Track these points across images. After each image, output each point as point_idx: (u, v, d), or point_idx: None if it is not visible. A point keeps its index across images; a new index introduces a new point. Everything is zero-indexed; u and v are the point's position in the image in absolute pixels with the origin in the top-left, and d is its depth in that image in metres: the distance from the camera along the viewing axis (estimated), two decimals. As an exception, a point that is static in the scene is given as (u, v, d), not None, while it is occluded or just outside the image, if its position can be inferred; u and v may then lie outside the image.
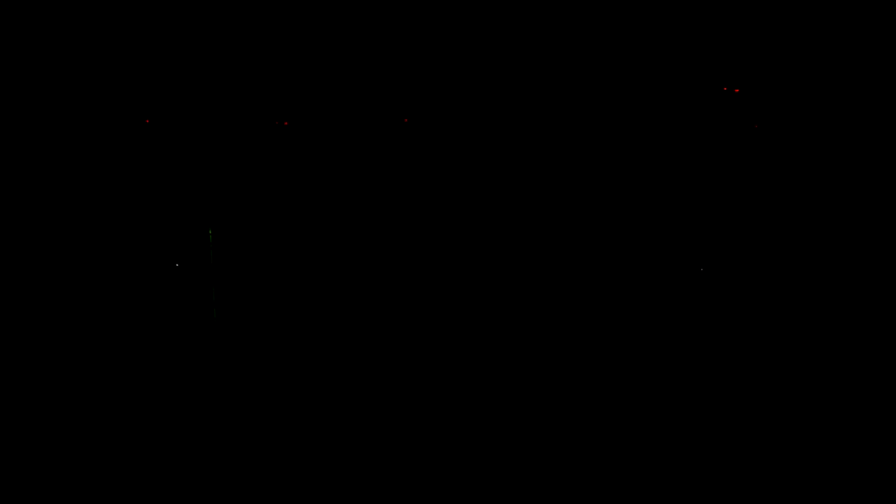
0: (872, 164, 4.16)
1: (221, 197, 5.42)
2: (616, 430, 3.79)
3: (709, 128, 4.55)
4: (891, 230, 4.11)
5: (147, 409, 3.96)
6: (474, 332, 4.33)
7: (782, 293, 4.24)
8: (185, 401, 4.03)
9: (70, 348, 4.41)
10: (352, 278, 4.78)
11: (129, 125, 5.09)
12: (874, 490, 3.25)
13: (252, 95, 5.02)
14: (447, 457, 3.64)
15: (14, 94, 4.93)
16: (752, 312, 4.23)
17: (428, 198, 4.89)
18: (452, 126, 4.99)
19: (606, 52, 4.75)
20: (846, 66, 4.28)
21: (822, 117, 4.30)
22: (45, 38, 4.94)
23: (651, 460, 3.58)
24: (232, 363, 4.32)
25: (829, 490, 3.29)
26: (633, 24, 4.67)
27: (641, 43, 4.66)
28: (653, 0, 4.55)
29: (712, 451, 3.62)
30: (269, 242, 5.18)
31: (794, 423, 3.77)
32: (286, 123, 5.01)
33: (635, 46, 4.68)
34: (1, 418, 3.94)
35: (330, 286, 4.73)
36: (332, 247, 4.84)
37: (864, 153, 4.22)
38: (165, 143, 5.39)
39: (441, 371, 4.17)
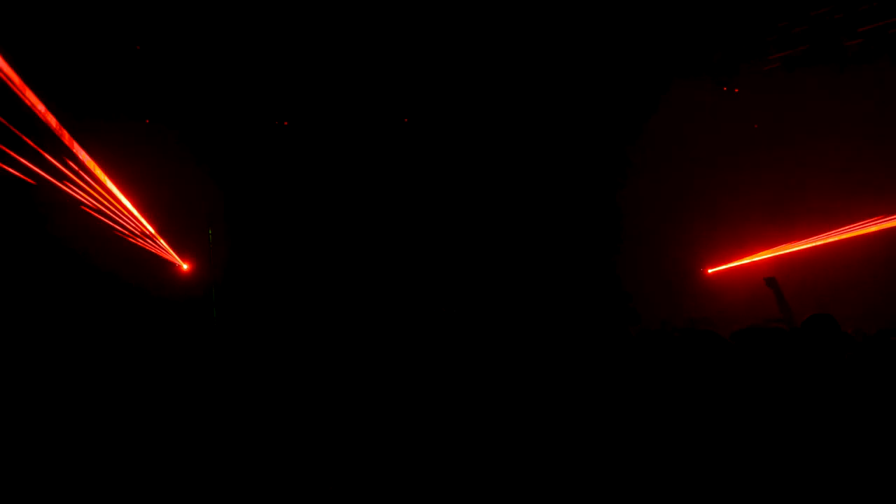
0: None
1: (222, 197, 5.41)
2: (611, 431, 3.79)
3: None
4: None
5: (147, 406, 3.96)
6: (474, 332, 4.33)
7: None
8: (186, 398, 4.03)
9: (70, 347, 4.41)
10: (351, 277, 4.77)
11: (131, 124, 5.09)
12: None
13: (252, 95, 5.02)
14: (442, 457, 3.64)
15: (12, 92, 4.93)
16: None
17: (427, 196, 4.89)
18: (453, 126, 5.00)
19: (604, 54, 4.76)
20: None
21: None
22: (44, 35, 4.94)
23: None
24: (231, 361, 4.32)
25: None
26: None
27: None
28: None
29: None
30: (268, 241, 5.17)
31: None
32: (286, 123, 5.02)
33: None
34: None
35: (329, 284, 4.72)
36: (332, 246, 4.84)
37: None
38: (165, 143, 5.37)
39: (440, 367, 4.18)
